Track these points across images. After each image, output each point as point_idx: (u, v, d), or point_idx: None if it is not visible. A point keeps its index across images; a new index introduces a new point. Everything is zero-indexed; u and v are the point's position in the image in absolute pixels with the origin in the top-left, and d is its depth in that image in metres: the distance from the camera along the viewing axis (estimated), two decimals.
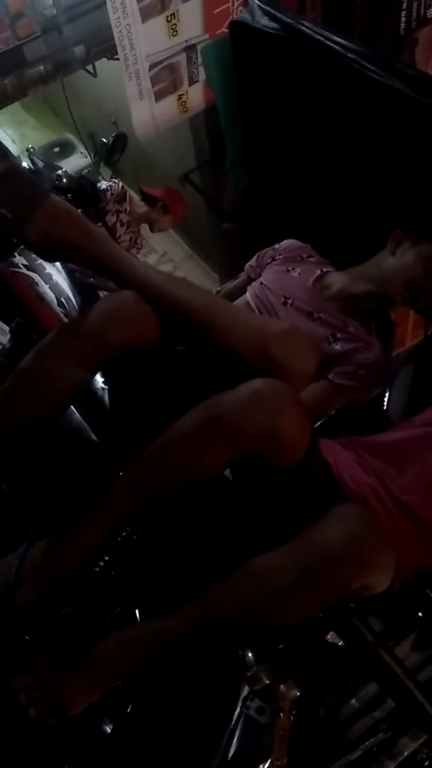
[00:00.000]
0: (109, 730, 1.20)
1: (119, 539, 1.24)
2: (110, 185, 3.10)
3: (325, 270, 1.67)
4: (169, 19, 2.29)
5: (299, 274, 1.68)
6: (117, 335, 1.24)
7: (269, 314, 1.62)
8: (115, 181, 3.22)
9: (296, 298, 1.61)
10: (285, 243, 1.81)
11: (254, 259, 1.83)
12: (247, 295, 1.70)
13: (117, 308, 1.26)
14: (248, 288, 1.73)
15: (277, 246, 1.81)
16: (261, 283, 1.69)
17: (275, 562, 1.11)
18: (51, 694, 1.09)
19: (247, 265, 1.85)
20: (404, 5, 2.70)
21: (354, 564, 1.06)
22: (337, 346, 1.53)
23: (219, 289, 2.08)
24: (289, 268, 1.71)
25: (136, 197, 3.34)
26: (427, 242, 1.51)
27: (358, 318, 1.58)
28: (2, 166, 1.22)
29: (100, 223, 2.93)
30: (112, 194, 3.05)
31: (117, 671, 1.16)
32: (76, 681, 1.12)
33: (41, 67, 2.37)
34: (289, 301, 1.61)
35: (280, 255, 1.77)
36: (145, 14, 2.22)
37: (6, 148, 1.29)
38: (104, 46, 2.42)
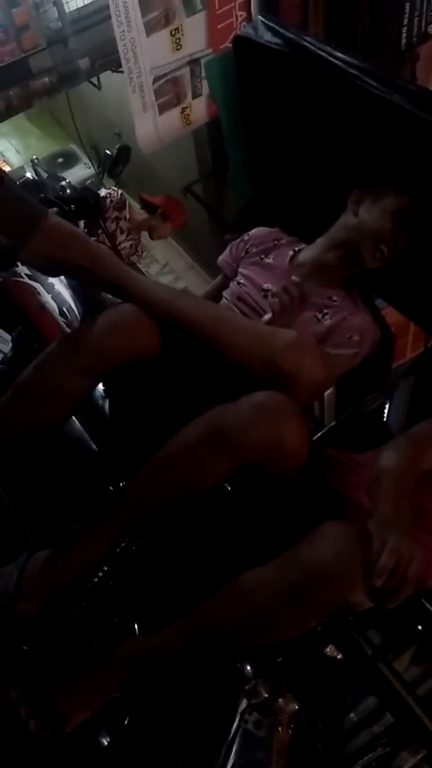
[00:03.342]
0: (106, 743, 1.19)
1: (118, 550, 1.24)
2: (109, 192, 3.12)
3: (297, 249, 1.68)
4: (173, 33, 2.32)
5: (273, 259, 1.68)
6: (118, 349, 1.24)
7: (253, 312, 1.61)
8: (114, 188, 3.24)
9: (276, 286, 1.58)
10: (254, 232, 1.80)
11: (227, 252, 1.81)
12: (227, 299, 1.68)
13: (118, 321, 1.25)
14: (226, 292, 1.71)
15: (246, 237, 1.79)
16: (238, 283, 1.68)
17: (262, 579, 1.11)
18: (48, 707, 1.09)
19: (220, 260, 1.82)
20: (406, 21, 2.73)
21: (340, 581, 1.05)
22: (327, 321, 1.55)
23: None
24: (263, 257, 1.71)
25: (136, 206, 3.36)
26: (389, 196, 1.52)
27: (340, 288, 1.60)
28: None
29: (100, 230, 2.95)
30: (111, 201, 3.07)
31: (113, 684, 1.16)
32: (74, 693, 1.12)
33: (46, 79, 2.40)
34: (269, 292, 1.60)
35: (252, 246, 1.76)
36: (150, 28, 2.25)
37: (1, 169, 1.24)
38: (109, 58, 2.44)
